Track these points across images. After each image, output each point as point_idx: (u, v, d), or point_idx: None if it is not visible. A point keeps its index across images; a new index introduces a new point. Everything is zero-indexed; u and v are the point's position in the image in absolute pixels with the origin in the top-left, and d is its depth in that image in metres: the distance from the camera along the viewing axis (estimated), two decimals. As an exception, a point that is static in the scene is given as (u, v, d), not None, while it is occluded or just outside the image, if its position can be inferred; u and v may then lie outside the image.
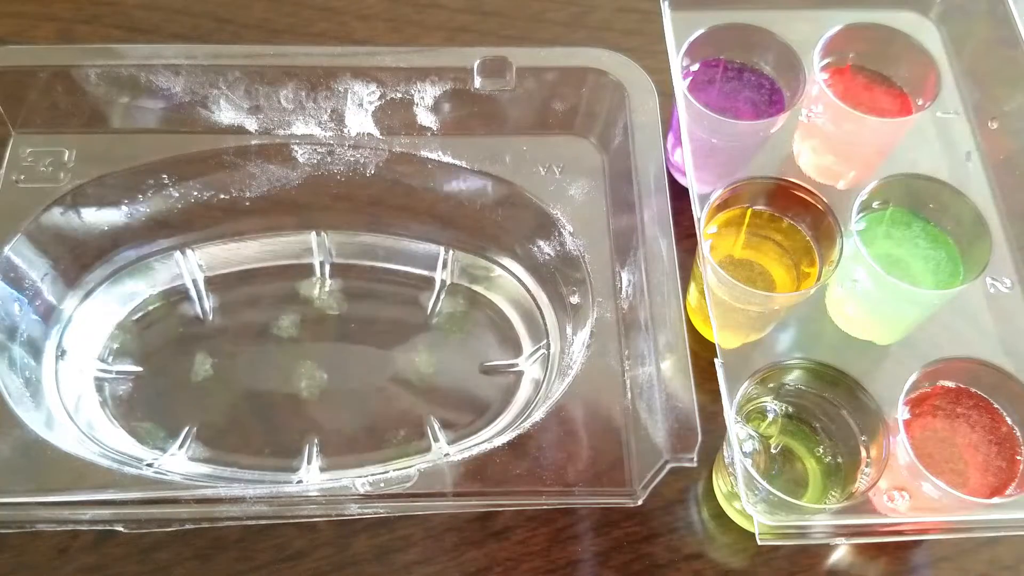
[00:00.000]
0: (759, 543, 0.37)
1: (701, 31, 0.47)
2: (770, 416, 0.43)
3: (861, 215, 0.43)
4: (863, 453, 0.41)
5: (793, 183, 0.44)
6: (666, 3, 0.47)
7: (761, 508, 0.37)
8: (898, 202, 0.44)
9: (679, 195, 0.44)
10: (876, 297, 0.42)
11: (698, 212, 0.42)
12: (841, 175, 0.48)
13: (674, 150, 0.51)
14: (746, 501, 0.37)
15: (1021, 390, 0.40)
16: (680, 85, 0.45)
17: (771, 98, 0.48)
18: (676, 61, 0.46)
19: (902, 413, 0.39)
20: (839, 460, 0.42)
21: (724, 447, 0.41)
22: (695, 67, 0.48)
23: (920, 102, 0.46)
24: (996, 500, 0.38)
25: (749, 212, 0.45)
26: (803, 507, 0.38)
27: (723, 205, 0.44)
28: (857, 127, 0.45)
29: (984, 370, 0.41)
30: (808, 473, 0.42)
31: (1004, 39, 0.48)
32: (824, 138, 0.47)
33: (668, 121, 0.50)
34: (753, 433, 0.43)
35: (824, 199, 0.43)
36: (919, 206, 0.44)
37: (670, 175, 0.52)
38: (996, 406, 0.41)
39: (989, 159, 0.48)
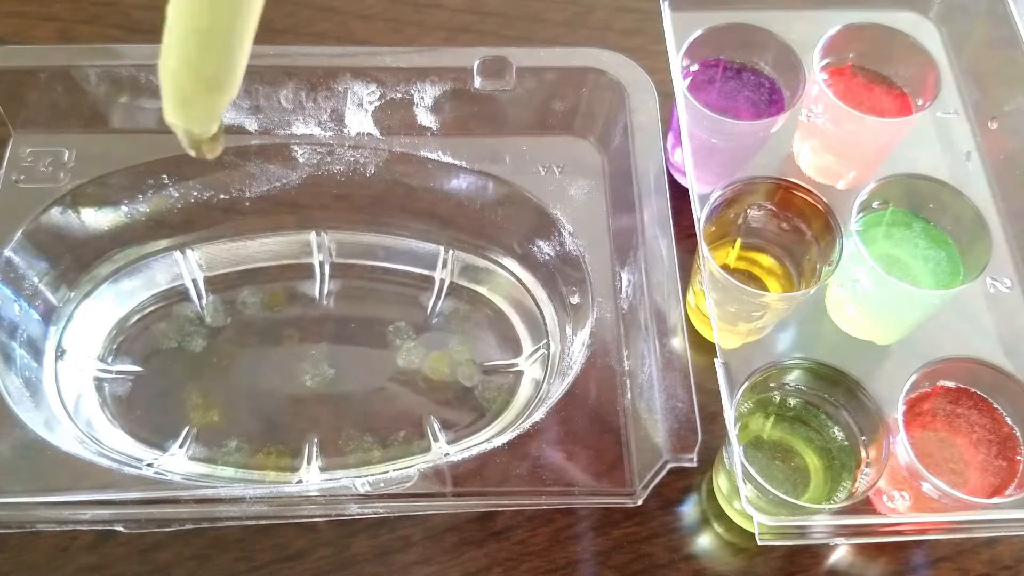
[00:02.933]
0: (759, 543, 0.37)
1: (701, 31, 0.47)
2: (770, 416, 0.43)
3: (861, 215, 0.43)
4: (863, 453, 0.41)
5: (793, 183, 0.44)
6: (666, 3, 0.47)
7: (761, 508, 0.37)
8: (898, 202, 0.44)
9: (679, 195, 0.44)
10: (876, 297, 0.42)
11: (698, 212, 0.42)
12: (841, 175, 0.48)
13: (674, 150, 0.51)
14: (745, 501, 0.37)
15: (1021, 390, 0.40)
16: (680, 85, 0.45)
17: (771, 98, 0.48)
18: (676, 61, 0.46)
19: (902, 413, 0.39)
20: (839, 460, 0.42)
21: (724, 447, 0.41)
22: (695, 67, 0.48)
23: (920, 102, 0.47)
24: (996, 500, 0.38)
25: (749, 212, 0.45)
26: (803, 507, 0.38)
27: (723, 205, 0.44)
28: (857, 127, 0.45)
29: (984, 370, 0.41)
30: (808, 473, 0.42)
31: (1004, 39, 0.48)
32: (824, 138, 0.47)
33: (668, 121, 0.50)
34: (752, 432, 0.43)
35: (824, 199, 0.43)
36: (919, 206, 0.44)
37: (670, 175, 0.52)
38: (996, 406, 0.41)
39: (989, 159, 0.48)
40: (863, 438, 0.41)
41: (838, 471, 0.41)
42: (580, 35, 0.59)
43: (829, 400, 0.42)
